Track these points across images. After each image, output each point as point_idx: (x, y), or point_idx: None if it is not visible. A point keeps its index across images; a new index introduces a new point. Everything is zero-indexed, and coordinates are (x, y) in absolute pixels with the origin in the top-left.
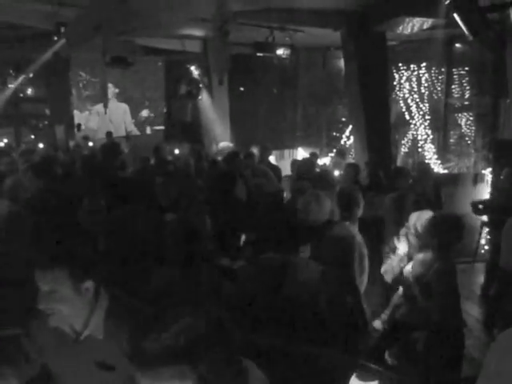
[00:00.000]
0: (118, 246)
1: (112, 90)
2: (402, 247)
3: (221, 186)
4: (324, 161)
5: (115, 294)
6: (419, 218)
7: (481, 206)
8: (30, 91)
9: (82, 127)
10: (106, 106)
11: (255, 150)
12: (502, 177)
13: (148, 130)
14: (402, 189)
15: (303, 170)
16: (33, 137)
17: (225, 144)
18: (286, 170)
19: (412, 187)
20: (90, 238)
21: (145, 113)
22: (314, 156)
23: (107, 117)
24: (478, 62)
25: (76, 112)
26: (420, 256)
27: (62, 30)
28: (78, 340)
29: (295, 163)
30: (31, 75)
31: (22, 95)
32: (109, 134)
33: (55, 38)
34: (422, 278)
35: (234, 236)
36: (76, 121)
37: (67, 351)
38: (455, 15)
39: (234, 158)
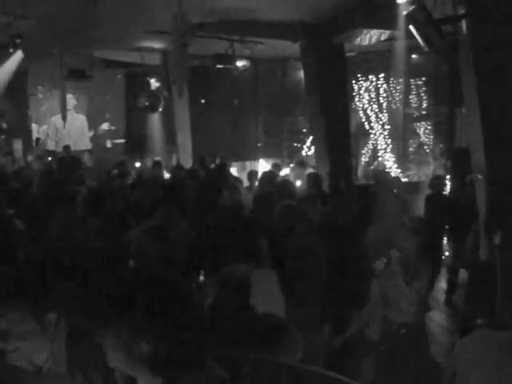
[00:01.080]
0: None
1: (71, 102)
2: None
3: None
4: (285, 171)
5: (74, 322)
6: None
7: None
8: None
9: (41, 141)
10: (64, 120)
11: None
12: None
13: (108, 144)
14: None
15: (265, 181)
16: None
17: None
18: None
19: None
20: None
21: (105, 126)
22: (276, 167)
23: (66, 130)
24: (434, 73)
25: (34, 126)
26: None
27: (18, 41)
28: (39, 375)
29: (252, 174)
30: None
31: None
32: (66, 147)
33: (11, 50)
34: None
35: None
36: (35, 135)
37: None
38: (411, 27)
39: (222, 170)
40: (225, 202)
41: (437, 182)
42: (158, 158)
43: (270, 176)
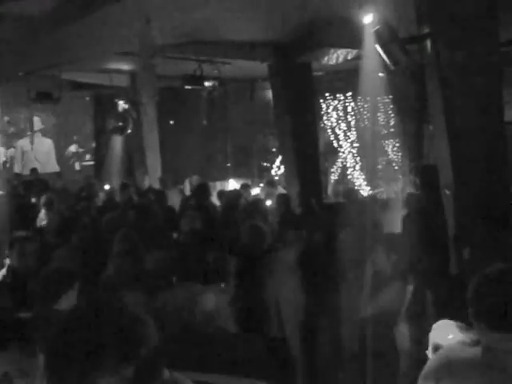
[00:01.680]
0: None
1: (38, 124)
2: None
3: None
4: (255, 191)
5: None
6: None
7: None
8: None
9: (7, 165)
10: (32, 143)
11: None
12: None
13: (77, 166)
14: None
15: (232, 201)
16: None
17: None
18: None
19: None
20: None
21: (73, 148)
22: (245, 187)
23: (32, 153)
24: (401, 91)
25: (1, 149)
26: None
27: None
28: None
29: (222, 194)
30: None
31: None
32: (33, 170)
33: None
34: None
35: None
36: (1, 158)
37: None
38: (377, 46)
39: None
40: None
41: (413, 199)
42: (125, 181)
43: (235, 195)
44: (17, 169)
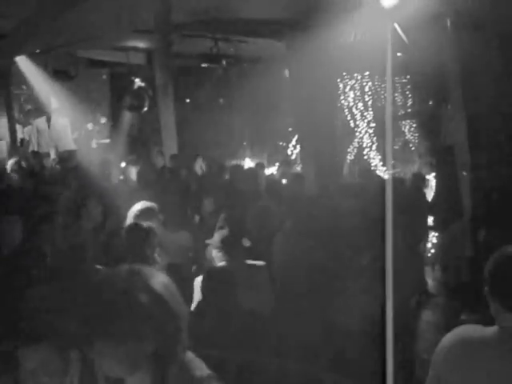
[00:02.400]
0: None
1: (54, 104)
2: None
3: None
4: (271, 170)
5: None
6: None
7: None
8: None
9: (25, 142)
10: (49, 121)
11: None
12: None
13: (93, 144)
14: None
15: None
16: None
17: None
18: None
19: None
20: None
21: (89, 126)
22: (260, 166)
23: (49, 131)
24: (419, 71)
25: (18, 127)
26: None
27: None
28: None
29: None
30: None
31: None
32: (55, 148)
33: None
34: None
35: None
36: (19, 135)
37: None
38: (395, 25)
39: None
40: None
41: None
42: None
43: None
44: (32, 147)
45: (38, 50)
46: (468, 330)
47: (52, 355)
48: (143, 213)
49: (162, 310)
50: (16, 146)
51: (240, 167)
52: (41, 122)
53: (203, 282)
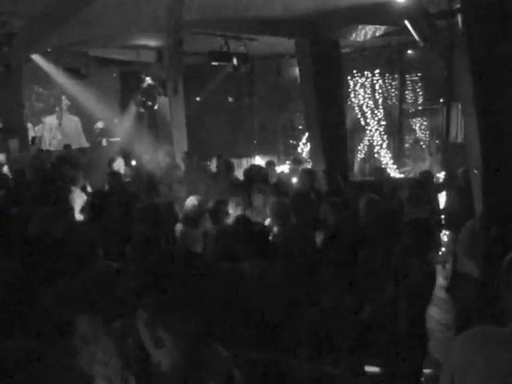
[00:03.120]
0: None
1: (65, 102)
2: None
3: None
4: (281, 168)
5: None
6: None
7: None
8: None
9: (37, 140)
10: (60, 119)
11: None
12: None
13: (104, 142)
14: None
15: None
16: None
17: None
18: None
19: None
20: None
21: (100, 124)
22: (271, 164)
23: (59, 130)
24: (429, 68)
25: (30, 125)
26: None
27: (12, 40)
28: None
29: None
30: None
31: None
32: (67, 146)
33: (5, 49)
34: None
35: None
36: (30, 133)
37: None
38: (406, 22)
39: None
40: None
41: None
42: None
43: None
44: (43, 145)
45: (49, 49)
46: (484, 329)
47: (99, 325)
48: None
49: None
50: (27, 144)
51: None
52: (52, 120)
53: None
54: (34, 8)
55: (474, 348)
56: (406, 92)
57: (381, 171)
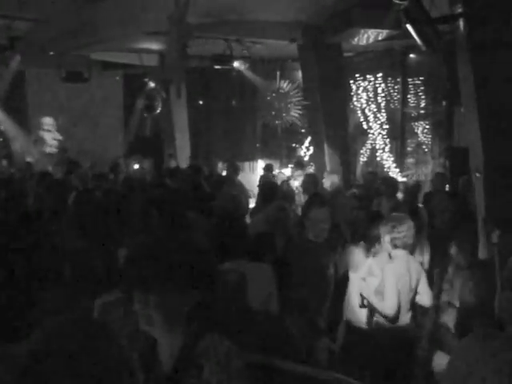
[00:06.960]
0: None
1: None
2: None
3: None
4: (284, 172)
5: None
6: None
7: None
8: None
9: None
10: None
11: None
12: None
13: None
14: None
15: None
16: None
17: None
18: (248, 182)
19: None
20: None
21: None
22: (269, 168)
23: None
24: (432, 72)
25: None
26: None
27: (16, 44)
28: None
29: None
30: None
31: None
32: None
33: (9, 53)
34: None
35: None
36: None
37: None
38: (408, 26)
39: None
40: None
41: (439, 179)
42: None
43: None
44: (45, 148)
45: (51, 52)
46: (487, 333)
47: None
48: None
49: None
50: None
51: None
52: (52, 123)
53: None
54: (37, 12)
55: (475, 354)
56: (409, 96)
57: (373, 175)
